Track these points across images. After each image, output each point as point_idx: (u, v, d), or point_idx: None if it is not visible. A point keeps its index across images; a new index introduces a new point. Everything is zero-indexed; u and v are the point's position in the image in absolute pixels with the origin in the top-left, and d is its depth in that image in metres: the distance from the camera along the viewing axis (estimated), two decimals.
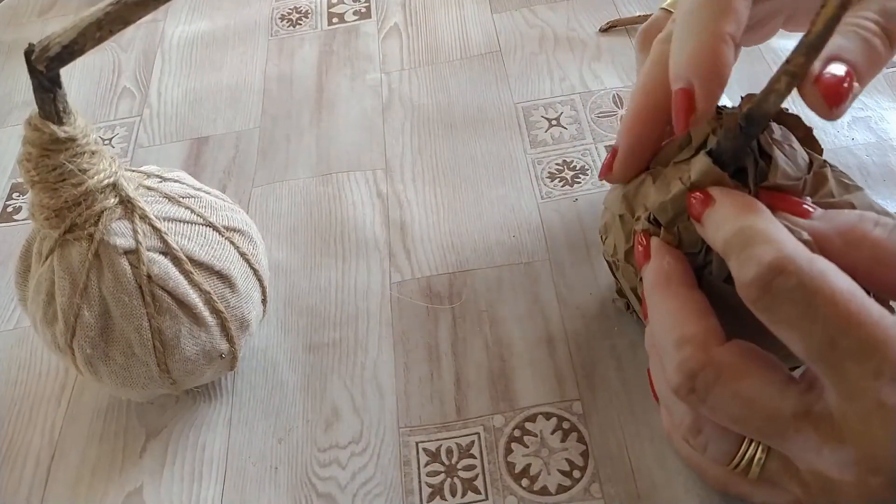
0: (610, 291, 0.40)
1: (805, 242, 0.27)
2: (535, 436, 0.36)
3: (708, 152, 0.29)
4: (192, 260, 0.34)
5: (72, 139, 0.31)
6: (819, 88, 0.27)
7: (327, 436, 0.37)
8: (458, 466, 0.35)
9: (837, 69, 0.28)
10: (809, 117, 0.30)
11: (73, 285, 0.33)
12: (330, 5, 0.63)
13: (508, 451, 0.36)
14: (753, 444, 0.27)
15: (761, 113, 0.27)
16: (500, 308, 0.41)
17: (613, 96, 0.51)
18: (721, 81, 0.29)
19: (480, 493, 0.34)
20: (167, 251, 0.34)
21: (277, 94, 0.56)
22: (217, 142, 0.53)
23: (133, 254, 0.33)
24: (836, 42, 0.28)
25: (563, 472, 0.34)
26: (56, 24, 0.65)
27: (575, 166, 0.47)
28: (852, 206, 0.30)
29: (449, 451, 0.36)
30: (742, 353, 0.27)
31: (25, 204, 0.51)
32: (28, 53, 0.29)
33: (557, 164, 0.47)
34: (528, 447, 0.36)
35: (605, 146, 0.47)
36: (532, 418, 0.36)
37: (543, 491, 0.34)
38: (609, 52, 0.54)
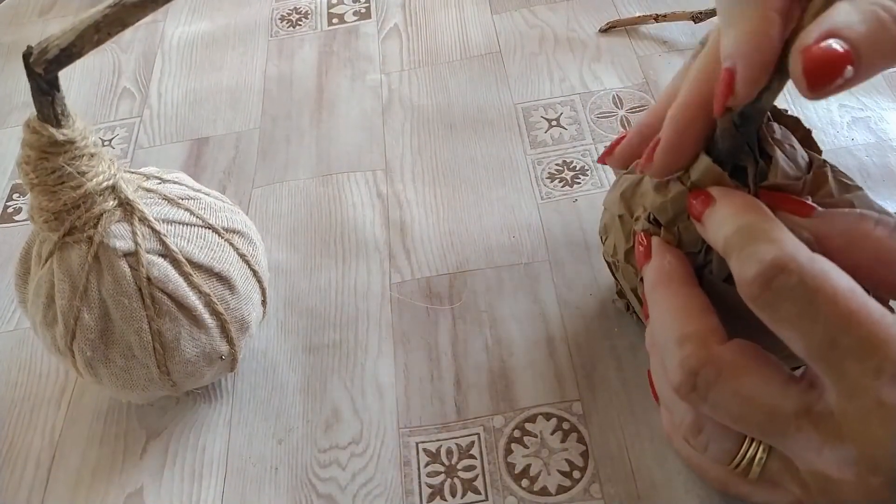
0: (610, 292, 0.40)
1: (805, 241, 0.27)
2: (535, 436, 0.36)
3: (707, 152, 0.29)
4: (191, 262, 0.34)
5: (70, 142, 0.31)
6: (803, 62, 0.23)
7: (327, 436, 0.37)
8: (458, 467, 0.35)
9: (832, 46, 0.23)
10: (810, 119, 0.30)
11: (73, 288, 0.33)
12: (330, 6, 0.63)
13: (508, 451, 0.36)
14: (754, 444, 0.27)
15: (755, 110, 0.27)
16: (500, 308, 0.41)
17: (613, 97, 0.51)
18: (764, 65, 0.26)
19: (480, 494, 0.34)
20: (166, 253, 0.34)
21: (277, 95, 0.56)
22: (217, 143, 0.53)
23: (132, 256, 0.33)
24: (844, 14, 0.23)
25: (562, 473, 0.34)
26: (56, 25, 0.65)
27: (575, 167, 0.47)
28: (852, 206, 0.30)
29: (449, 452, 0.36)
30: (743, 352, 0.27)
31: (26, 205, 0.51)
32: (26, 56, 0.29)
33: (557, 165, 0.47)
34: (528, 448, 0.36)
35: (605, 146, 0.47)
36: (532, 419, 0.36)
37: (543, 491, 0.34)
38: (609, 52, 0.54)
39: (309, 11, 0.62)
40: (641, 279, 0.32)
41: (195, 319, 0.34)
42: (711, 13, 0.53)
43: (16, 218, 0.51)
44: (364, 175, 0.49)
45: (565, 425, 0.36)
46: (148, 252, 0.34)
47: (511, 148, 0.49)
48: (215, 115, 0.55)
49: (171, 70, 0.60)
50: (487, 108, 0.52)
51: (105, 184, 0.32)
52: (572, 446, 0.35)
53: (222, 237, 0.36)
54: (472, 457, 0.36)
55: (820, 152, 0.32)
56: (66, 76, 0.30)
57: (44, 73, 0.29)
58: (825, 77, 0.23)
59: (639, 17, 0.55)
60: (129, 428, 0.39)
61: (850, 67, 0.23)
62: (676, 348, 0.27)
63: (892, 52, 0.24)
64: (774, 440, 0.26)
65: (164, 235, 0.34)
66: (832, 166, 0.31)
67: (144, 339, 0.34)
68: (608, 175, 0.46)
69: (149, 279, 0.33)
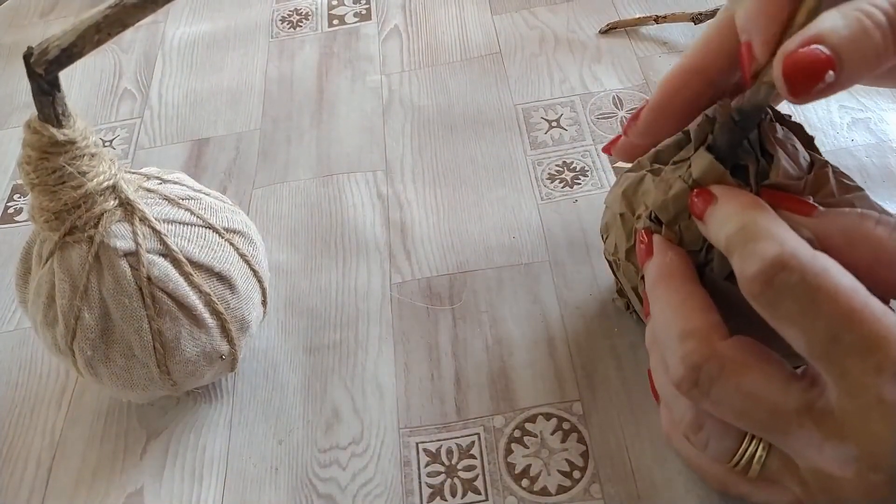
0: (610, 292, 0.40)
1: (806, 241, 0.27)
2: (535, 436, 0.36)
3: (707, 148, 0.29)
4: (191, 262, 0.34)
5: (71, 142, 0.31)
6: (783, 66, 0.24)
7: (327, 437, 0.37)
8: (459, 467, 0.35)
9: (814, 51, 0.24)
10: (810, 120, 0.31)
11: (74, 287, 0.33)
12: (330, 7, 0.63)
13: (508, 451, 0.36)
14: (754, 442, 0.27)
15: (753, 105, 0.27)
16: (500, 309, 0.41)
17: (613, 98, 0.51)
18: (774, 29, 0.26)
19: (480, 494, 0.34)
20: (167, 253, 0.34)
21: (278, 96, 0.56)
22: (218, 143, 0.53)
23: (133, 256, 0.33)
24: (829, 20, 0.24)
25: (563, 473, 0.34)
26: (57, 26, 0.65)
27: (575, 168, 0.47)
28: (853, 206, 0.30)
29: (449, 452, 0.36)
30: (746, 348, 0.27)
31: (26, 205, 0.51)
32: (27, 57, 0.29)
33: (557, 166, 0.47)
34: (528, 448, 0.36)
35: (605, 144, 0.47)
36: (532, 419, 0.36)
37: (543, 491, 0.34)
38: (609, 53, 0.54)
39: (309, 13, 0.62)
40: (642, 277, 0.32)
41: (195, 319, 0.35)
42: (711, 14, 0.53)
43: (16, 218, 0.51)
44: (364, 175, 0.49)
45: (565, 425, 0.36)
46: (148, 252, 0.34)
47: (511, 149, 0.49)
48: (216, 115, 0.55)
49: (171, 71, 0.60)
50: (488, 108, 0.52)
51: (106, 184, 0.32)
52: (572, 446, 0.35)
53: (223, 237, 0.36)
54: (473, 457, 0.36)
55: (820, 156, 0.32)
56: (66, 77, 0.30)
57: (44, 73, 0.29)
58: (806, 81, 0.24)
59: (639, 18, 0.55)
60: (129, 428, 0.39)
61: (831, 72, 0.24)
62: (678, 344, 0.27)
63: (875, 59, 0.24)
64: (775, 437, 0.26)
65: (165, 235, 0.34)
66: (833, 167, 0.31)
67: (145, 339, 0.34)
68: (608, 176, 0.46)
69: (149, 279, 0.33)
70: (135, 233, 0.34)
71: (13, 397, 0.41)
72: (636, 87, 0.51)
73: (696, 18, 0.53)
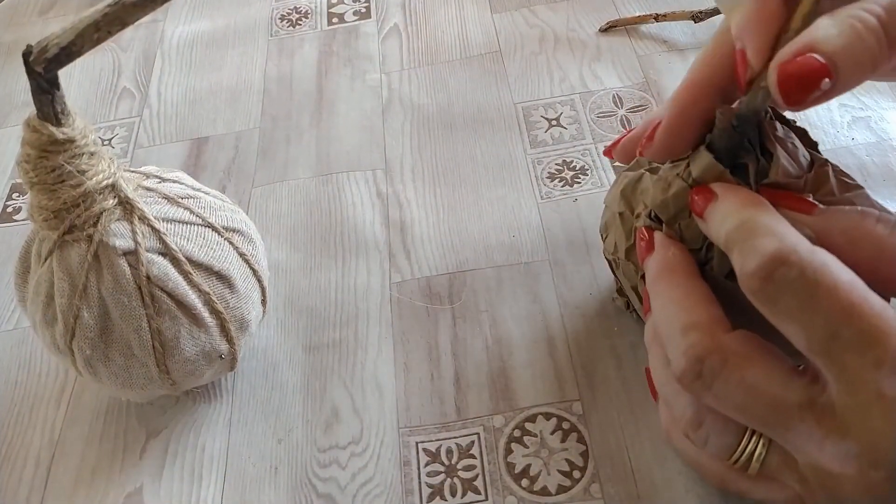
0: (610, 291, 0.40)
1: (806, 237, 0.27)
2: (535, 436, 0.36)
3: (707, 147, 0.29)
4: (191, 261, 0.34)
5: (70, 140, 0.31)
6: (777, 75, 0.24)
7: (327, 436, 0.37)
8: (458, 467, 0.35)
9: (809, 59, 0.24)
10: (810, 119, 0.30)
11: (73, 286, 0.33)
12: (330, 5, 0.63)
13: (508, 451, 0.36)
14: (754, 439, 0.27)
15: (751, 110, 0.28)
16: (500, 308, 0.41)
17: (613, 96, 0.51)
18: (767, 36, 0.26)
19: (480, 494, 0.34)
20: (166, 252, 0.34)
21: (277, 95, 0.56)
22: (217, 142, 0.53)
23: (132, 255, 0.33)
24: (823, 28, 0.24)
25: (562, 473, 0.34)
26: (56, 24, 0.65)
27: (575, 166, 0.47)
28: (853, 205, 0.30)
29: (449, 452, 0.36)
30: (748, 342, 0.27)
31: (25, 204, 0.51)
32: (26, 55, 0.29)
33: (557, 165, 0.47)
34: (527, 447, 0.35)
35: (605, 146, 0.47)
36: (532, 418, 0.36)
37: (543, 491, 0.34)
38: (609, 52, 0.54)
39: (309, 11, 0.62)
40: (642, 276, 0.32)
41: (195, 318, 0.34)
42: (711, 13, 0.53)
43: (15, 217, 0.51)
44: (364, 174, 0.49)
45: (565, 425, 0.36)
46: (147, 251, 0.33)
47: (511, 147, 0.49)
48: (215, 114, 0.55)
49: (170, 69, 0.60)
50: (487, 107, 0.52)
51: (105, 182, 0.32)
52: (572, 446, 0.35)
53: (222, 236, 0.36)
54: (472, 456, 0.36)
55: (822, 157, 0.32)
56: (65, 76, 0.30)
57: (44, 71, 0.29)
58: (802, 90, 0.24)
59: (639, 16, 0.55)
60: (128, 427, 0.39)
61: (827, 80, 0.24)
62: (681, 337, 0.27)
63: (870, 64, 0.24)
64: (776, 433, 0.26)
65: (164, 234, 0.34)
66: (833, 165, 0.31)
67: (144, 338, 0.34)
68: (608, 175, 0.46)
69: (148, 278, 0.33)
70: (134, 231, 0.33)
71: (12, 396, 0.41)
72: (636, 86, 0.51)
73: (696, 17, 0.53)
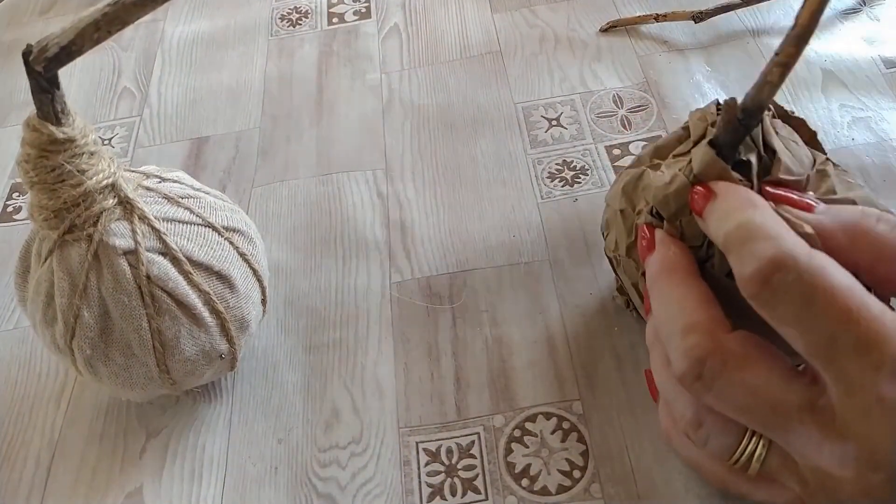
0: (610, 291, 0.40)
1: (807, 236, 0.27)
2: (535, 436, 0.36)
3: (709, 143, 0.29)
4: (191, 260, 0.34)
5: (70, 140, 0.31)
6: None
7: (327, 436, 0.37)
8: (458, 466, 0.35)
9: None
10: (810, 119, 0.31)
11: (73, 286, 0.33)
12: (330, 5, 0.63)
13: (508, 451, 0.36)
14: (754, 439, 0.27)
15: (756, 104, 0.28)
16: (500, 308, 0.41)
17: (613, 96, 0.51)
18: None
19: (480, 493, 0.34)
20: (166, 252, 0.34)
21: (277, 95, 0.56)
22: (217, 142, 0.53)
23: (132, 254, 0.33)
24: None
25: (563, 472, 0.34)
26: (56, 24, 0.64)
27: (575, 166, 0.47)
28: (854, 204, 0.30)
29: (449, 451, 0.36)
30: (749, 342, 0.27)
31: (25, 204, 0.51)
32: (26, 54, 0.29)
33: (557, 164, 0.47)
34: (528, 447, 0.35)
35: (605, 146, 0.47)
36: (532, 418, 0.36)
37: (543, 491, 0.34)
38: (609, 52, 0.54)
39: (309, 11, 0.62)
40: (643, 274, 0.32)
41: (195, 318, 0.34)
42: (711, 13, 0.53)
43: (15, 217, 0.51)
44: (364, 175, 0.49)
45: (565, 425, 0.36)
46: (148, 250, 0.33)
47: (511, 147, 0.49)
48: (215, 114, 0.55)
49: (171, 69, 0.60)
50: (487, 107, 0.52)
51: (105, 182, 0.32)
52: (572, 446, 0.35)
53: (222, 236, 0.36)
54: (472, 456, 0.36)
55: (825, 154, 0.32)
56: (65, 75, 0.30)
57: (43, 71, 0.29)
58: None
59: (639, 16, 0.55)
60: (128, 427, 0.39)
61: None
62: (682, 338, 0.27)
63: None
64: (776, 434, 0.26)
65: (164, 234, 0.34)
66: (835, 164, 0.31)
67: (144, 338, 0.34)
68: (608, 175, 0.46)
69: (148, 277, 0.33)
70: (134, 231, 0.33)
71: (12, 396, 0.41)
72: (636, 86, 0.51)
73: (697, 17, 0.53)
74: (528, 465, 0.35)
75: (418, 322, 0.41)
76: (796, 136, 0.31)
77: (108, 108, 0.57)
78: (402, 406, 0.38)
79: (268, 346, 0.41)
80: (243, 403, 0.39)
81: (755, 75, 0.28)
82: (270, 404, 0.39)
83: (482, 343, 0.39)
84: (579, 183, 0.46)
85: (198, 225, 0.35)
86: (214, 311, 0.35)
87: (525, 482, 0.34)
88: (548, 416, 0.36)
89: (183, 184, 0.37)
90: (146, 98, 0.58)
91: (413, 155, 0.49)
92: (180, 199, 0.36)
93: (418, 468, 0.36)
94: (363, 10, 0.61)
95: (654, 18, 0.54)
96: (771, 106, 0.32)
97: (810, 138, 0.32)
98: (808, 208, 0.28)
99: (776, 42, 0.27)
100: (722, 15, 0.53)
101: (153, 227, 0.34)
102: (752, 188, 0.29)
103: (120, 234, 0.33)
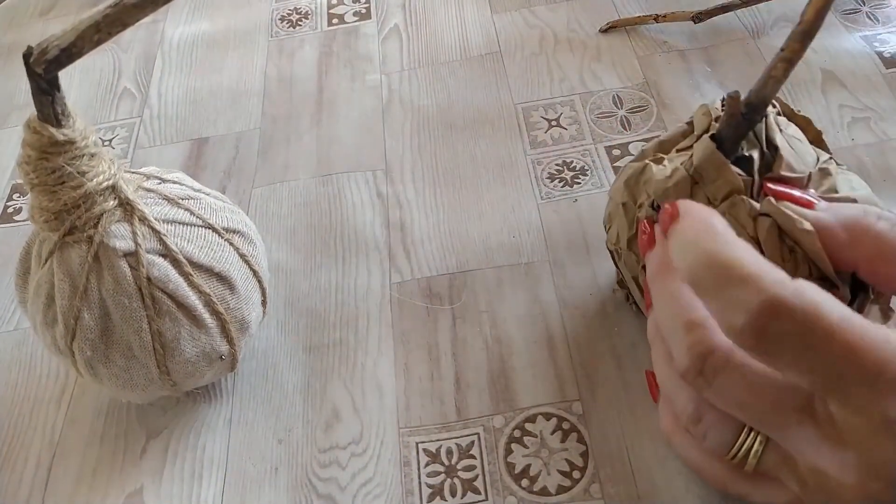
0: (610, 291, 0.40)
1: (806, 233, 0.27)
2: (535, 436, 0.36)
3: (710, 137, 0.29)
4: (191, 262, 0.34)
5: (70, 142, 0.31)
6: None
7: (327, 436, 0.37)
8: (458, 467, 0.35)
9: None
10: (813, 121, 0.31)
11: (73, 288, 0.33)
12: (330, 6, 0.63)
13: (508, 451, 0.36)
14: (752, 436, 0.27)
15: (760, 98, 0.28)
16: (499, 308, 0.41)
17: (613, 97, 0.51)
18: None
19: (480, 494, 0.34)
20: (167, 253, 0.34)
21: (277, 95, 0.56)
22: (217, 143, 0.53)
23: (132, 256, 0.33)
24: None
25: (562, 473, 0.34)
26: (56, 25, 0.65)
27: (575, 167, 0.47)
28: (855, 202, 0.30)
29: (449, 452, 0.36)
30: None
31: (26, 205, 0.51)
32: (26, 56, 0.29)
33: (557, 165, 0.47)
34: (527, 448, 0.36)
35: (605, 147, 0.47)
36: (532, 419, 0.36)
37: (543, 491, 0.34)
38: (609, 52, 0.54)
39: (309, 12, 0.62)
40: (643, 267, 0.32)
41: (195, 319, 0.34)
42: (711, 13, 0.53)
43: (16, 218, 0.51)
44: (364, 175, 0.49)
45: (565, 425, 0.36)
46: (148, 252, 0.34)
47: (511, 148, 0.49)
48: (215, 115, 0.55)
49: (171, 70, 0.60)
50: (487, 108, 0.52)
51: (105, 184, 0.32)
52: (572, 446, 0.35)
53: (222, 237, 0.36)
54: (472, 457, 0.36)
55: (829, 153, 0.32)
56: (66, 77, 0.30)
57: (44, 73, 0.29)
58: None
59: (639, 17, 0.55)
60: (129, 428, 0.39)
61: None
62: (684, 334, 0.27)
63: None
64: (775, 432, 0.26)
65: (165, 235, 0.34)
66: (838, 163, 0.31)
67: (144, 339, 0.34)
68: (608, 175, 0.46)
69: (149, 279, 0.33)
70: (134, 233, 0.33)
71: (13, 397, 0.41)
72: (636, 86, 0.51)
73: (697, 17, 0.53)
74: (528, 466, 0.35)
75: (418, 322, 0.41)
76: (800, 134, 0.31)
77: (109, 109, 0.57)
78: (402, 406, 0.38)
79: (268, 347, 0.41)
80: (243, 404, 0.39)
81: (755, 76, 0.28)
82: (271, 405, 0.39)
83: (482, 343, 0.40)
84: (579, 183, 0.46)
85: (198, 226, 0.36)
86: (215, 313, 0.35)
87: (525, 482, 0.34)
88: (548, 416, 0.36)
89: (183, 185, 0.37)
90: (146, 99, 0.58)
91: (413, 155, 0.50)
92: (180, 201, 0.36)
93: (418, 468, 0.36)
94: (363, 10, 0.61)
95: (654, 19, 0.54)
96: (776, 103, 0.32)
97: (815, 137, 0.32)
98: (808, 205, 0.28)
99: (776, 42, 0.27)
100: (721, 15, 0.53)
101: (153, 229, 0.34)
102: (753, 183, 0.29)
103: (120, 236, 0.33)
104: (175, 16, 0.64)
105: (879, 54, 0.50)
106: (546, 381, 0.38)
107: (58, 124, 0.31)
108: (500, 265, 0.43)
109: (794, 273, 0.28)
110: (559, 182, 0.46)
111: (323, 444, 0.37)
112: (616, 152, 0.47)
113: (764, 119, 0.30)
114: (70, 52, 0.29)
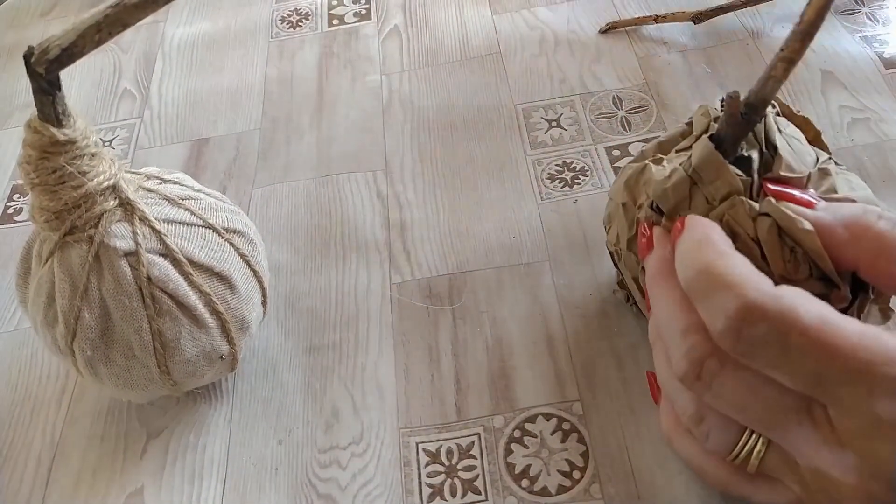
0: (609, 291, 0.40)
1: (805, 232, 0.27)
2: (535, 436, 0.36)
3: (710, 137, 0.30)
4: (191, 262, 0.34)
5: (71, 142, 0.31)
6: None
7: (327, 437, 0.37)
8: (459, 467, 0.35)
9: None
10: (813, 122, 0.31)
11: (74, 287, 0.33)
12: (330, 7, 0.63)
13: (508, 451, 0.36)
14: (754, 437, 0.27)
15: (760, 98, 0.28)
16: (500, 309, 0.41)
17: (613, 97, 0.51)
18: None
19: (480, 494, 0.34)
20: (167, 253, 0.34)
21: (278, 96, 0.56)
22: (217, 143, 0.53)
23: (133, 256, 0.33)
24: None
25: (563, 473, 0.34)
26: (57, 26, 0.65)
27: (575, 167, 0.47)
28: (855, 202, 0.30)
29: (449, 452, 0.36)
30: None
31: (26, 205, 0.52)
32: (27, 56, 0.29)
33: (557, 166, 0.47)
34: (528, 448, 0.36)
35: (605, 147, 0.47)
36: (532, 419, 0.36)
37: (543, 491, 0.34)
38: (609, 53, 0.54)
39: (309, 13, 0.62)
40: (643, 268, 0.32)
41: (195, 319, 0.35)
42: (711, 13, 0.53)
43: (16, 218, 0.51)
44: (364, 175, 0.49)
45: (565, 425, 0.36)
46: (148, 252, 0.34)
47: (511, 148, 0.49)
48: (216, 115, 0.55)
49: (171, 71, 0.60)
50: (487, 108, 0.52)
51: (106, 184, 0.32)
52: (572, 446, 0.35)
53: (223, 237, 0.36)
54: (473, 457, 0.36)
55: (829, 153, 0.33)
56: (66, 77, 0.30)
57: (45, 73, 0.29)
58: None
59: (639, 17, 0.55)
60: (129, 428, 0.39)
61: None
62: (681, 338, 0.27)
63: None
64: (774, 433, 0.26)
65: (165, 235, 0.34)
66: (838, 163, 0.31)
67: (145, 339, 0.34)
68: (608, 176, 0.46)
69: (149, 279, 0.33)
70: (135, 233, 0.33)
71: (13, 397, 0.41)
72: (636, 87, 0.51)
73: (697, 18, 0.53)
74: (528, 466, 0.35)
75: (418, 323, 0.41)
76: (800, 135, 0.31)
77: (109, 109, 0.57)
78: (403, 407, 0.38)
79: (268, 347, 0.41)
80: (244, 404, 0.39)
81: (755, 76, 0.28)
82: (271, 405, 0.39)
83: (482, 344, 0.40)
84: (579, 184, 0.46)
85: (198, 226, 0.36)
86: (215, 313, 0.35)
87: (525, 483, 0.34)
88: (548, 416, 0.36)
89: (183, 185, 0.37)
90: (147, 99, 0.58)
91: (413, 156, 0.50)
92: (181, 201, 0.36)
93: (418, 469, 0.36)
94: (363, 11, 0.62)
95: (654, 19, 0.54)
96: (775, 103, 0.32)
97: (815, 137, 0.33)
98: (808, 205, 0.28)
99: (775, 43, 0.27)
100: (721, 16, 0.53)
101: (154, 229, 0.34)
102: (752, 184, 0.29)
103: (121, 236, 0.33)
104: (175, 16, 0.64)
105: (879, 55, 0.50)
106: (546, 381, 0.38)
107: (59, 124, 0.31)
108: (500, 266, 0.43)
109: (794, 273, 0.28)
110: (559, 182, 0.46)
111: (323, 445, 0.37)
112: (616, 153, 0.47)
113: (763, 119, 0.30)
114: (71, 52, 0.29)
